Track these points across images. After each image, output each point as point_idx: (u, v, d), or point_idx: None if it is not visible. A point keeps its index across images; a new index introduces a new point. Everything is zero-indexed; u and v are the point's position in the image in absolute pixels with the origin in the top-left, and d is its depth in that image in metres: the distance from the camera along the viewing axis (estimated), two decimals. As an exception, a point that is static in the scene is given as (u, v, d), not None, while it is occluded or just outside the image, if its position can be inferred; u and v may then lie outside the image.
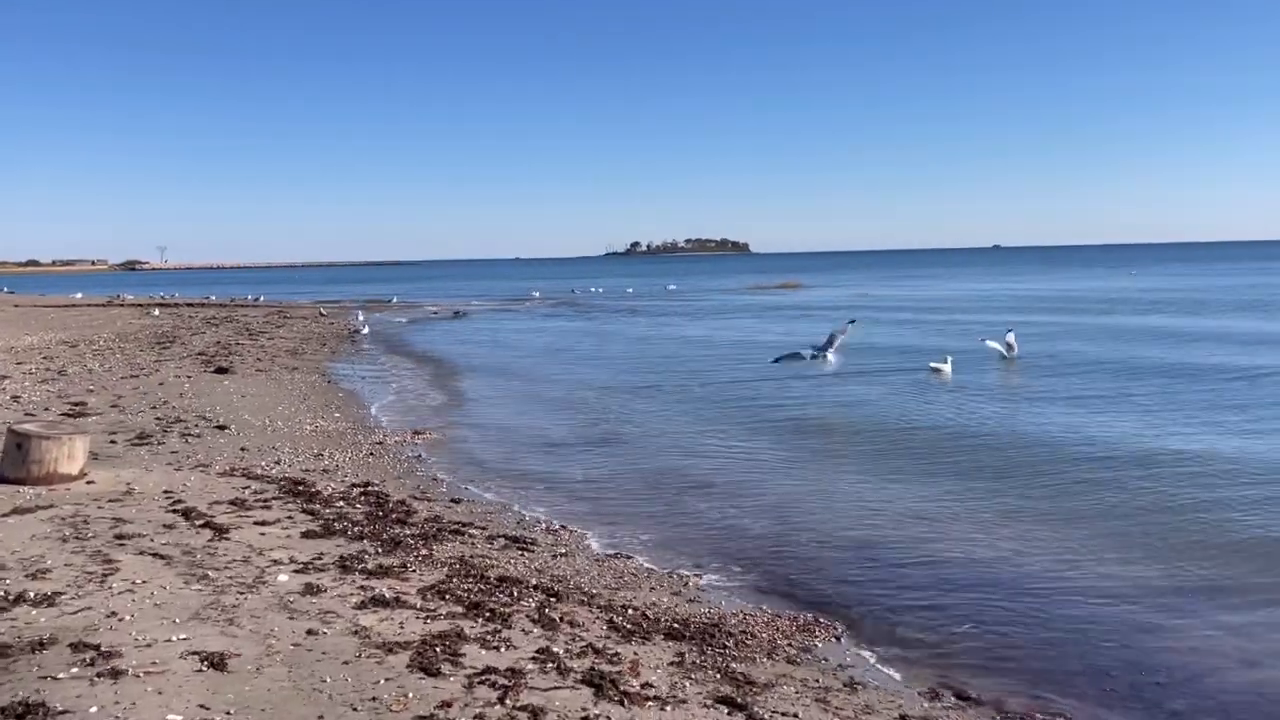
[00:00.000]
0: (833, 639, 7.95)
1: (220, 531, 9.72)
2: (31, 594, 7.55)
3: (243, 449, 14.68)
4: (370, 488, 12.44)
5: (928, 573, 9.62)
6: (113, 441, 14.68)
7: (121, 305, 62.21)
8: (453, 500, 12.17)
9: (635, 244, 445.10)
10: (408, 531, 10.26)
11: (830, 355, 22.26)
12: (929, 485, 13.12)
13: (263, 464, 13.65)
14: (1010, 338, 27.53)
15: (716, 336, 39.02)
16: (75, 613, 7.24)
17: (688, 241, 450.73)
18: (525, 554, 9.82)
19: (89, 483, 11.64)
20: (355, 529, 10.16)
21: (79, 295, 75.67)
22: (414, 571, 8.80)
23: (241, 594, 7.82)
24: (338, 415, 18.65)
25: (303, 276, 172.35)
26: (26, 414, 16.93)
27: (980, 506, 11.96)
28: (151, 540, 9.31)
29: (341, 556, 9.05)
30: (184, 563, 8.62)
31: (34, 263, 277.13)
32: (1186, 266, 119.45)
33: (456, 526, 10.67)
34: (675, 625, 7.76)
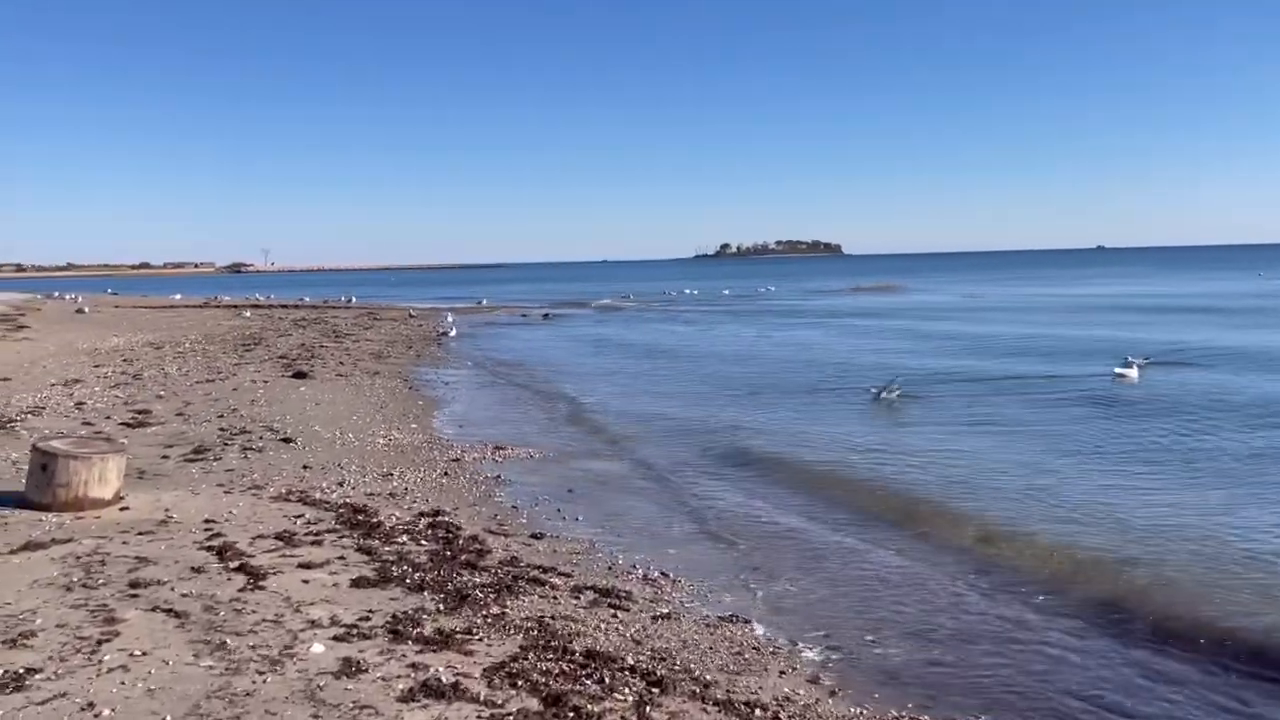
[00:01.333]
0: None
1: (255, 577, 8.12)
2: (1, 671, 5.99)
3: (305, 466, 13.19)
4: (440, 518, 10.76)
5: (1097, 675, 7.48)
6: (165, 456, 13.34)
7: (217, 306, 62.71)
8: (533, 536, 10.39)
9: (725, 246, 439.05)
10: (478, 579, 8.52)
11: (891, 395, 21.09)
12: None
13: (324, 485, 12.12)
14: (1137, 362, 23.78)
15: (834, 343, 35.61)
16: (44, 702, 5.65)
17: (778, 243, 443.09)
18: (618, 614, 7.96)
19: (123, 509, 10.21)
20: (416, 575, 8.47)
21: (177, 296, 76.87)
22: (480, 639, 7.04)
23: (261, 673, 6.15)
24: (414, 426, 17.13)
25: (398, 278, 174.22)
26: (85, 421, 15.81)
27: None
28: (171, 589, 7.75)
29: (394, 615, 7.36)
30: (201, 624, 7.01)
31: (145, 265, 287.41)
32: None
33: (536, 573, 8.87)
34: (820, 739, 5.78)
